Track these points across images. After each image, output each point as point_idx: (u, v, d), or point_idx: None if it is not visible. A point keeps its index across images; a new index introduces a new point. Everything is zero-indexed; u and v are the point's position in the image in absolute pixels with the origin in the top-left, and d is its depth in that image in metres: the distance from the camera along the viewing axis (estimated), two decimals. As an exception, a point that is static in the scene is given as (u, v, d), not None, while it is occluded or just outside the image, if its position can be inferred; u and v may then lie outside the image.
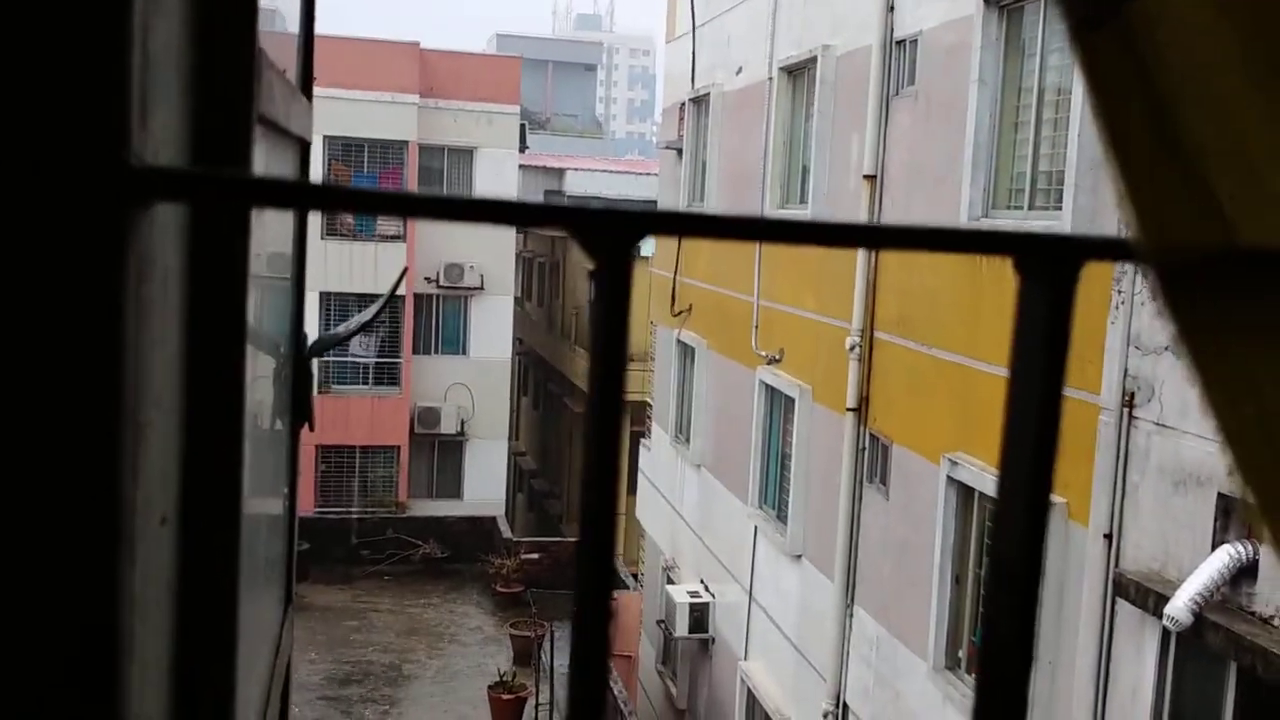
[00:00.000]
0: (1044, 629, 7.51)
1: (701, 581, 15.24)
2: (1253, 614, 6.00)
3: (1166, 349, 6.70)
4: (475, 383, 27.17)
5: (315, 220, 23.70)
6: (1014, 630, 0.50)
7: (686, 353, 16.17)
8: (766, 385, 13.11)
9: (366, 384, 26.62)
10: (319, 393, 23.33)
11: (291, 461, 2.47)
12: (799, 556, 12.20)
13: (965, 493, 9.03)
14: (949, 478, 9.06)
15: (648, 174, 32.14)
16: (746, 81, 14.18)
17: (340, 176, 25.07)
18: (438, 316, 27.38)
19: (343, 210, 0.50)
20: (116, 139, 0.56)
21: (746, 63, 14.18)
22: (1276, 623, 5.87)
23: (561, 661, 18.95)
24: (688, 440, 16.08)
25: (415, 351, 26.83)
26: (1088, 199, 7.50)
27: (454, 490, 27.51)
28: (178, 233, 0.85)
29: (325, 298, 24.52)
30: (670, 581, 16.14)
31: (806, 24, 12.40)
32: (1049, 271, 0.51)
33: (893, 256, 10.34)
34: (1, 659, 0.57)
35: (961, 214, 8.96)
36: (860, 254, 10.68)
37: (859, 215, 10.66)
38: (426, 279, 26.47)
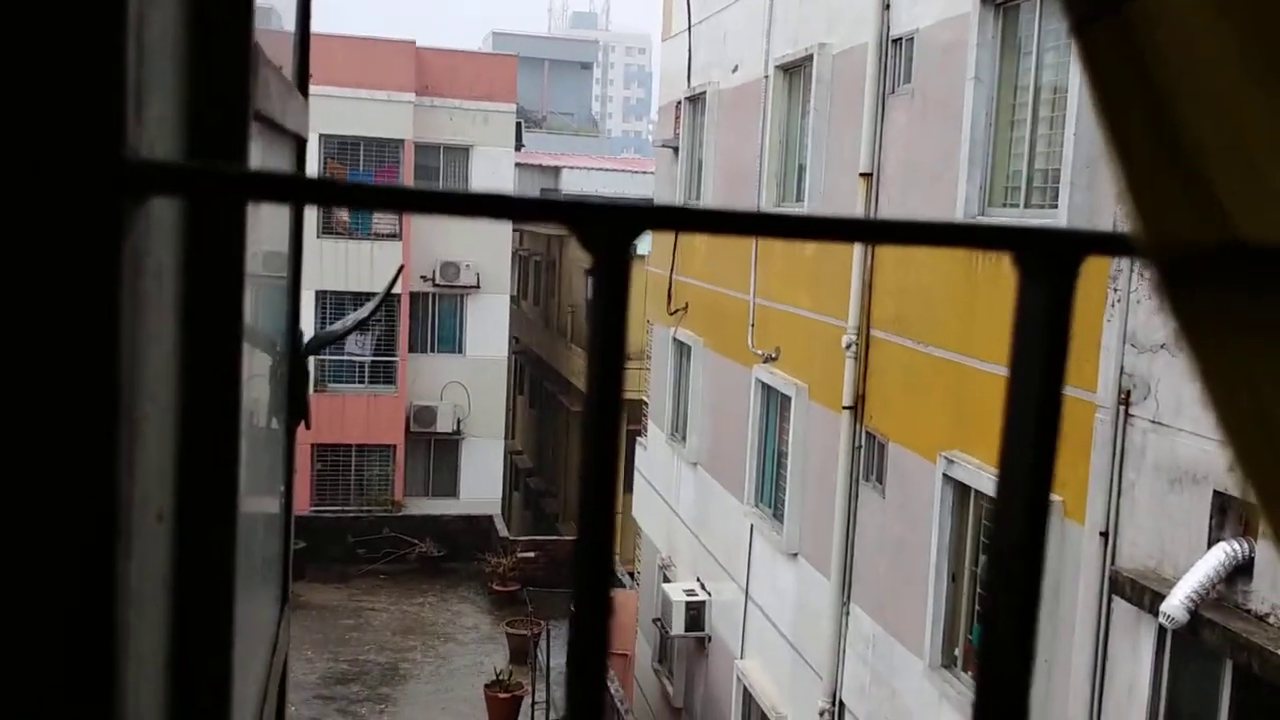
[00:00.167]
0: (1040, 627, 7.51)
1: (698, 580, 15.24)
2: (1248, 611, 6.01)
3: (1163, 347, 6.70)
4: (471, 381, 27.17)
5: (311, 219, 23.67)
6: (1014, 630, 0.50)
7: (682, 351, 16.18)
8: (763, 384, 13.12)
9: (362, 383, 26.62)
10: (315, 391, 23.31)
11: (288, 460, 2.47)
12: (795, 555, 12.21)
13: (961, 491, 9.03)
14: (945, 476, 9.07)
15: (644, 172, 32.15)
16: (743, 79, 14.18)
17: (336, 175, 25.02)
18: (434, 315, 27.37)
19: (340, 205, 0.50)
20: (112, 132, 0.56)
21: (743, 61, 14.18)
22: (1272, 620, 5.88)
23: (558, 660, 18.96)
24: (684, 439, 16.09)
25: (411, 350, 26.82)
26: (1084, 197, 7.51)
27: (450, 489, 27.51)
28: (173, 227, 0.85)
29: (321, 296, 24.52)
30: (666, 580, 16.14)
31: (803, 22, 12.40)
32: (1049, 267, 0.51)
33: (889, 255, 10.34)
34: (-3, 655, 0.57)
35: (958, 212, 8.97)
36: (856, 253, 10.68)
37: (855, 213, 10.66)
38: (422, 278, 26.45)
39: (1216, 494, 6.26)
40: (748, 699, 13.35)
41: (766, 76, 13.21)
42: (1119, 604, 6.92)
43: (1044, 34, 8.31)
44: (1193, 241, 0.47)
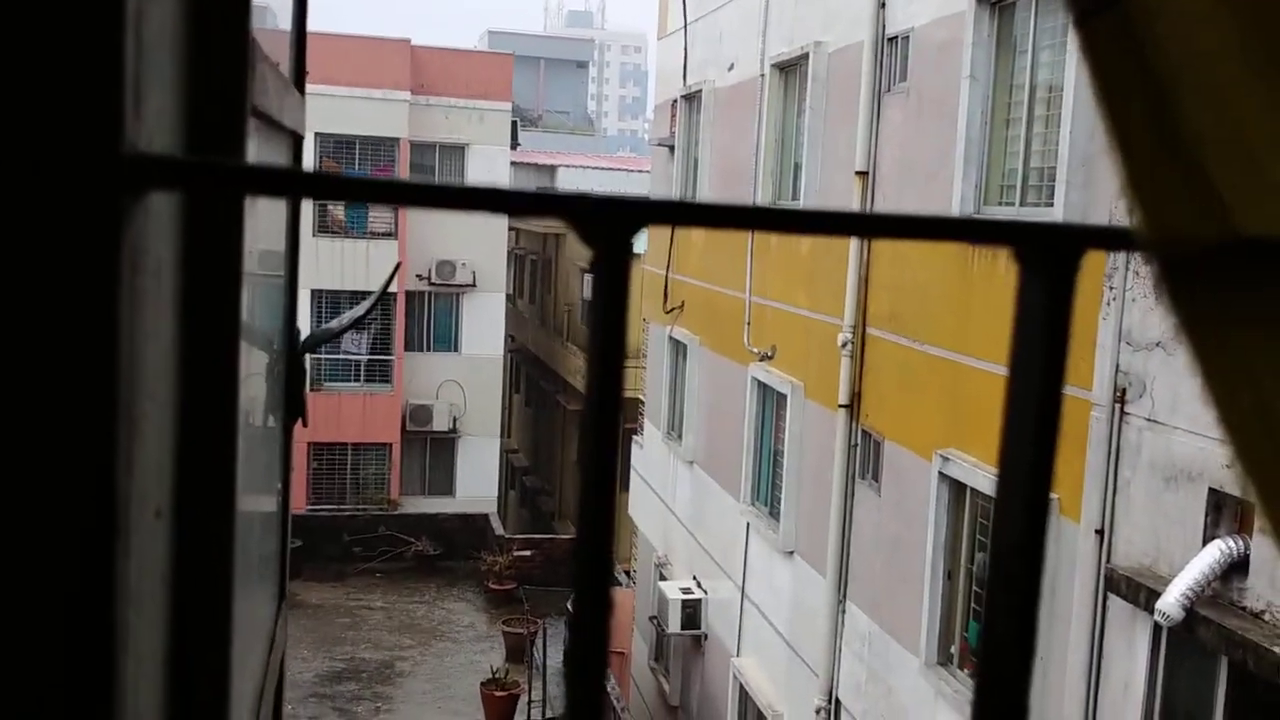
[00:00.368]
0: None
1: (694, 578, 15.25)
2: (1244, 609, 6.02)
3: (1158, 345, 6.71)
4: (467, 380, 27.17)
5: (307, 218, 23.64)
6: (1013, 629, 0.50)
7: (678, 350, 16.18)
8: (758, 382, 13.12)
9: (359, 381, 26.60)
10: (311, 390, 23.28)
11: (284, 458, 2.47)
12: (791, 553, 12.21)
13: (957, 489, 9.04)
14: (940, 474, 9.08)
15: (640, 171, 32.15)
16: (738, 78, 14.17)
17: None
18: (430, 314, 27.36)
19: (338, 199, 0.50)
20: (110, 126, 0.56)
21: (738, 59, 14.17)
22: (1267, 617, 5.89)
23: (554, 658, 18.96)
24: (680, 437, 16.09)
25: (407, 349, 26.82)
26: (1079, 195, 7.51)
27: (446, 487, 27.50)
28: (171, 222, 0.84)
29: (317, 295, 24.51)
30: (663, 578, 16.14)
31: (798, 20, 12.40)
32: (1049, 261, 0.51)
33: (884, 252, 10.35)
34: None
35: (953, 210, 8.97)
36: (852, 250, 10.69)
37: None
38: (418, 276, 26.44)
39: (1212, 491, 6.26)
40: (744, 697, 13.35)
41: (762, 75, 13.21)
42: (1114, 601, 6.93)
43: (1039, 32, 8.32)
44: (1193, 235, 0.47)
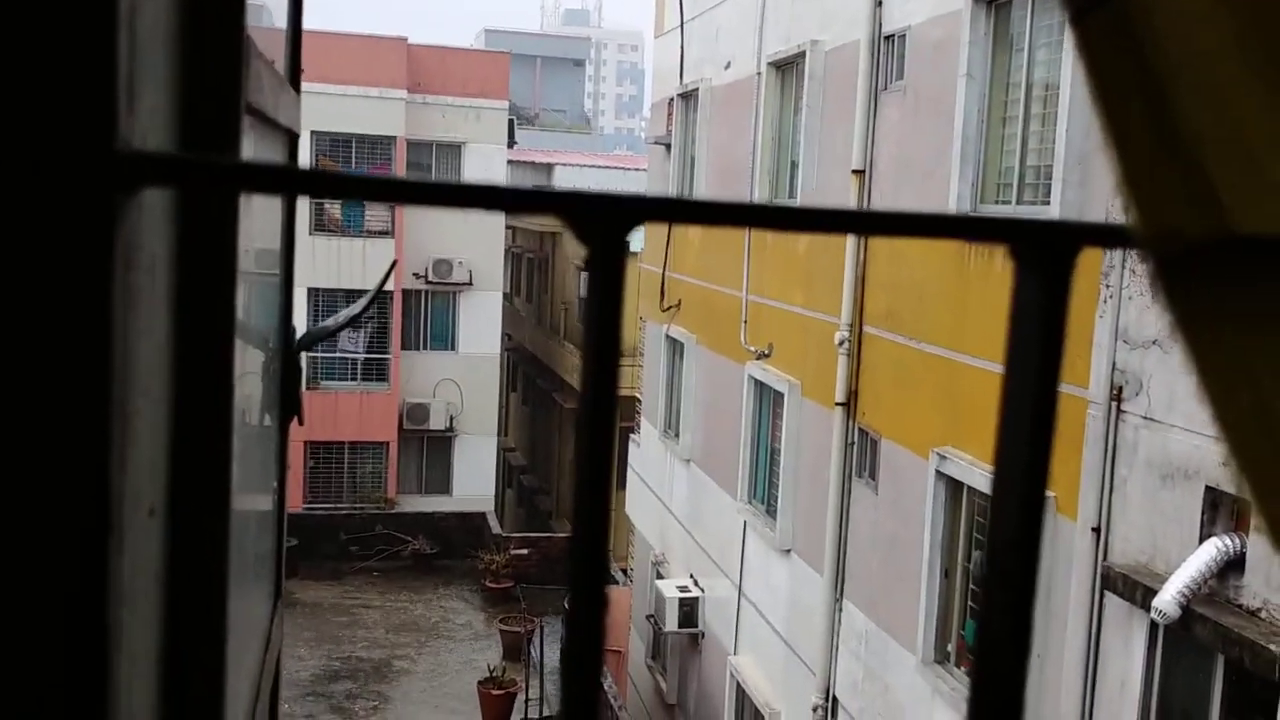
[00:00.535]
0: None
1: (691, 576, 15.25)
2: (1240, 606, 6.03)
3: (1154, 343, 6.72)
4: (464, 379, 27.16)
5: (303, 216, 23.62)
6: (1009, 626, 0.50)
7: (675, 348, 16.18)
8: (755, 380, 13.12)
9: (355, 380, 26.59)
10: (307, 388, 23.27)
11: (280, 456, 2.46)
12: (788, 551, 12.22)
13: (954, 487, 9.05)
14: (938, 472, 9.09)
15: (636, 169, 32.15)
16: (735, 76, 14.17)
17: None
18: (426, 312, 27.35)
19: (333, 196, 0.50)
20: (104, 123, 0.56)
21: (735, 58, 14.17)
22: (1264, 615, 5.90)
23: (551, 656, 18.98)
24: (677, 436, 16.09)
25: (404, 347, 26.81)
26: (1075, 193, 7.52)
27: (443, 486, 27.50)
28: (166, 219, 0.84)
29: (313, 294, 24.47)
30: (660, 576, 16.15)
31: (795, 19, 12.40)
32: (1045, 259, 0.51)
33: (881, 251, 10.35)
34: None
35: (950, 208, 8.98)
36: (849, 249, 10.69)
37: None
38: (415, 275, 26.43)
39: (1208, 489, 6.27)
40: (741, 695, 13.36)
41: (759, 73, 13.21)
42: (1111, 599, 6.94)
43: (1036, 30, 8.32)
44: (1191, 234, 0.46)
